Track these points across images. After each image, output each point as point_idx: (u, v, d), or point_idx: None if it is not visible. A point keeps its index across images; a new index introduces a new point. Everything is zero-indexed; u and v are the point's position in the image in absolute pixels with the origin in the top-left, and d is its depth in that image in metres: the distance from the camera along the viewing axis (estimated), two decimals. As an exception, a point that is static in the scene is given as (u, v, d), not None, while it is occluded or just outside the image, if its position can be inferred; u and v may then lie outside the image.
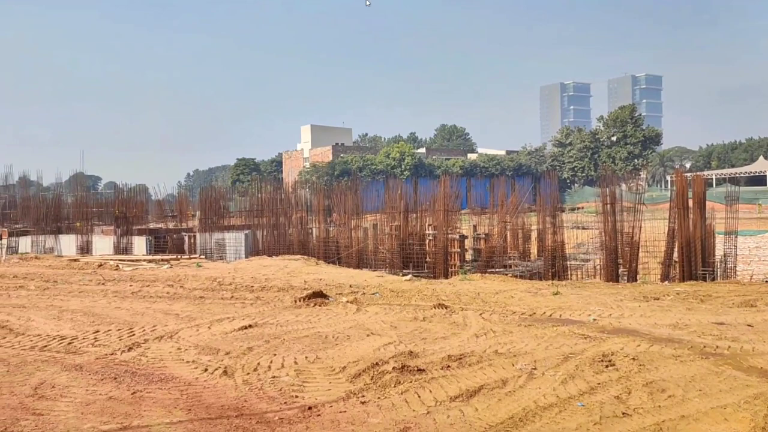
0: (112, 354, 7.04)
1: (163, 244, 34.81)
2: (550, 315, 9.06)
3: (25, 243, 34.73)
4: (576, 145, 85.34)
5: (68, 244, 34.44)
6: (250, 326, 8.35)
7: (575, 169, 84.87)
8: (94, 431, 4.61)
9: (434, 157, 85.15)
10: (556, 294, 10.87)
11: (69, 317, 9.34)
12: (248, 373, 6.12)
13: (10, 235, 34.73)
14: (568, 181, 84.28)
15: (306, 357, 6.68)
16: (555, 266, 16.47)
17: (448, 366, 6.16)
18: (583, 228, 23.11)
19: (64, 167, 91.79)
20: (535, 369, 6.03)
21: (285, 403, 5.26)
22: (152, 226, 36.69)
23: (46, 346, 7.49)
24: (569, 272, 16.69)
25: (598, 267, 16.52)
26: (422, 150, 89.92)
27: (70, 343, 7.59)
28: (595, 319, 8.58)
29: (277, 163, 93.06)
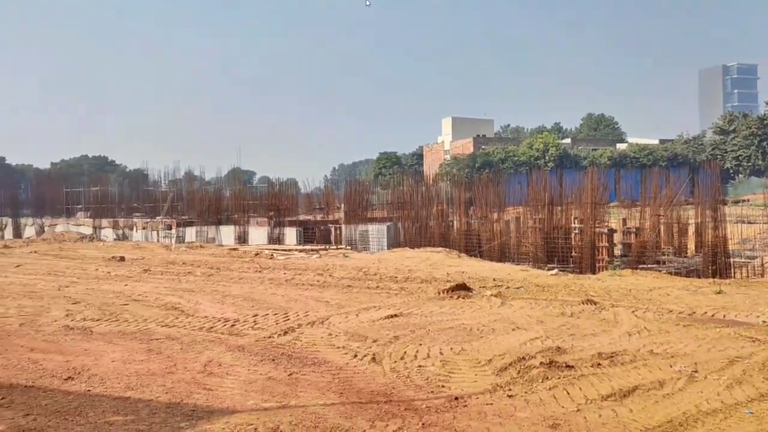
0: (269, 337, 7.53)
1: (312, 235, 36.48)
2: (712, 315, 8.43)
3: (190, 233, 37.94)
4: (741, 132, 78.02)
5: (227, 234, 37.16)
6: (395, 315, 8.56)
7: (740, 158, 77.68)
8: (256, 408, 4.97)
9: (580, 147, 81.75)
10: (718, 293, 10.08)
11: (231, 302, 10.12)
12: (395, 361, 6.29)
13: (178, 225, 38.11)
14: (731, 171, 77.33)
15: (451, 348, 6.74)
16: (716, 263, 15.25)
17: (599, 364, 5.94)
18: (749, 222, 21.16)
19: (223, 163, 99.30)
20: (696, 371, 5.66)
21: (432, 392, 5.35)
22: (302, 218, 38.63)
23: (212, 327, 8.17)
24: (732, 270, 15.37)
25: (767, 265, 15.08)
26: (567, 140, 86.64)
27: (232, 326, 8.22)
28: (764, 321, 7.87)
29: (418, 156, 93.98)
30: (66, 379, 5.70)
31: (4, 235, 46.97)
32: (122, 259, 18.33)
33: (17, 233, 47.08)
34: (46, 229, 45.46)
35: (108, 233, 41.70)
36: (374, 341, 7.12)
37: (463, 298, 9.93)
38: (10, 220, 48.80)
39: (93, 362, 6.31)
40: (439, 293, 10.36)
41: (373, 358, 6.41)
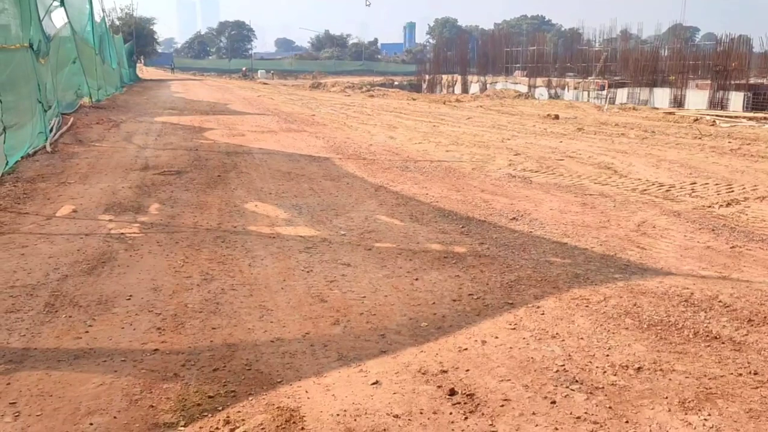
0: (709, 206, 7.07)
1: (763, 101, 31.75)
2: None
3: (621, 94, 36.84)
4: None
5: (662, 96, 34.91)
6: None
7: None
8: (693, 273, 4.84)
9: None
10: None
11: (666, 167, 9.70)
12: None
13: (610, 86, 37.26)
14: None
15: None
16: None
17: None
18: None
19: (663, 19, 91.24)
20: None
21: None
22: (752, 81, 33.63)
23: (645, 189, 8.04)
24: None
25: None
26: None
27: (667, 191, 7.94)
28: None
29: None
30: (511, 219, 6.42)
31: (454, 90, 53.05)
32: (556, 117, 19.00)
33: (464, 89, 52.63)
34: (488, 86, 49.63)
35: (542, 92, 43.41)
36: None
37: None
38: (459, 77, 54.63)
39: (533, 208, 6.93)
40: None
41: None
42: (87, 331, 3.61)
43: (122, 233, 5.61)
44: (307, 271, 4.70)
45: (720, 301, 4.23)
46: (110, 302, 4.04)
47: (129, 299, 4.09)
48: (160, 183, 7.81)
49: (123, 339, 3.53)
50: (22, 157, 8.78)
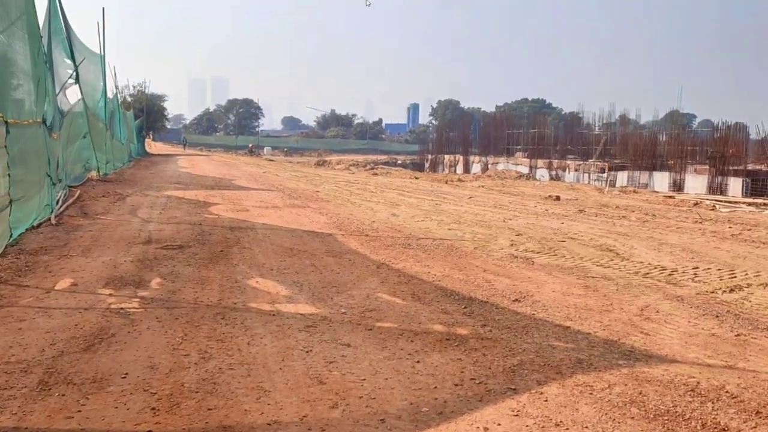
0: (712, 292, 7.03)
1: (761, 186, 32.07)
2: None
3: (621, 177, 37.34)
4: None
5: (661, 180, 35.37)
6: None
7: None
8: (698, 362, 4.76)
9: None
10: None
11: (668, 250, 9.71)
12: None
13: (610, 169, 37.83)
14: None
15: None
16: None
17: None
18: None
19: (661, 105, 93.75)
20: None
21: None
22: (750, 167, 34.14)
23: (648, 273, 8.02)
24: None
25: None
26: None
27: (670, 275, 7.92)
28: None
29: None
30: (514, 300, 6.38)
31: (456, 169, 53.84)
32: (557, 198, 19.20)
33: (466, 169, 53.44)
34: (489, 166, 50.43)
35: (542, 173, 44.04)
36: None
37: None
38: (462, 157, 55.59)
39: (536, 289, 6.90)
40: None
41: None
42: (80, 411, 3.53)
43: (121, 308, 5.57)
44: (307, 351, 4.63)
45: (727, 392, 4.14)
46: (105, 380, 3.96)
47: (124, 377, 4.02)
48: (162, 257, 7.82)
49: (116, 419, 3.44)
50: (26, 229, 8.84)
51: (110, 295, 6.01)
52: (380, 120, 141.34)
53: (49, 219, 9.96)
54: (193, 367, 4.23)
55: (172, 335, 4.86)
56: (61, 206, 11.24)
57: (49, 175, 10.11)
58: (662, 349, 5.04)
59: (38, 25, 10.02)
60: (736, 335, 5.48)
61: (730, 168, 32.46)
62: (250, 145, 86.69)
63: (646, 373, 4.44)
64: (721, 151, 33.20)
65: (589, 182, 37.48)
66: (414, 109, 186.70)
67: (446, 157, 59.30)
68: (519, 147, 53.24)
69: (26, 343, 4.57)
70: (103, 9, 20.84)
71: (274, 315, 5.53)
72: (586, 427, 3.53)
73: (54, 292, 6.05)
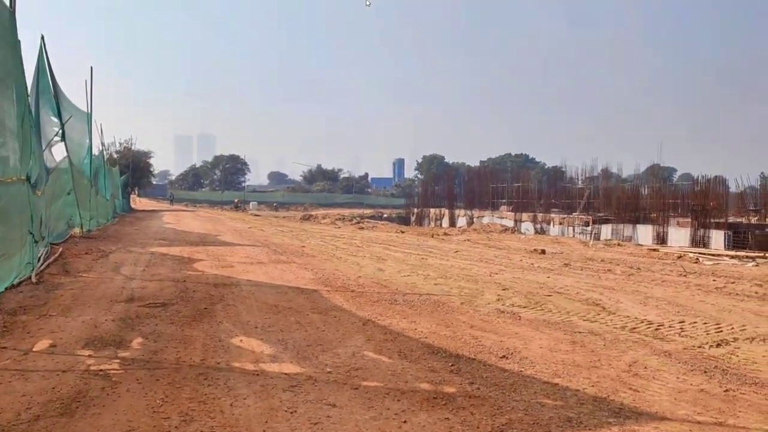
0: (699, 347, 7.01)
1: (743, 239, 32.40)
2: None
3: (606, 230, 37.65)
4: None
5: (644, 233, 35.70)
6: None
7: None
8: (688, 419, 4.71)
9: None
10: None
11: (654, 304, 9.72)
12: None
13: (594, 222, 38.18)
14: None
15: None
16: None
17: None
18: None
19: (642, 159, 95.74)
20: None
21: None
22: (731, 220, 34.61)
23: (634, 328, 8.00)
24: None
25: None
26: None
27: (657, 329, 7.90)
28: None
29: None
30: (501, 357, 6.31)
31: (441, 223, 54.09)
32: (543, 251, 19.28)
33: (452, 222, 53.69)
34: (474, 220, 50.74)
35: (527, 226, 44.34)
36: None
37: None
38: (447, 211, 55.94)
39: (523, 345, 6.84)
40: None
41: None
42: (54, 479, 3.39)
43: (101, 369, 5.44)
44: (291, 412, 4.52)
45: (719, 450, 4.08)
46: (82, 446, 3.83)
47: (102, 443, 3.89)
48: (144, 316, 7.69)
49: (91, 488, 3.31)
50: (6, 288, 8.69)
51: (90, 356, 5.87)
52: (366, 174, 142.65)
53: (30, 277, 9.81)
54: (174, 431, 4.10)
55: (153, 397, 4.73)
56: (42, 264, 11.09)
57: (31, 233, 10.01)
58: (652, 406, 4.98)
59: (26, 83, 10.11)
60: (725, 391, 5.44)
61: (712, 221, 32.88)
62: (236, 201, 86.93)
63: (636, 431, 4.38)
64: (702, 204, 33.70)
65: (573, 235, 37.75)
66: (399, 164, 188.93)
67: (432, 210, 59.67)
68: (503, 200, 53.77)
69: (2, 407, 4.43)
70: (91, 68, 21.07)
71: (258, 375, 5.42)
72: (578, 490, 3.45)
73: (32, 353, 5.90)
